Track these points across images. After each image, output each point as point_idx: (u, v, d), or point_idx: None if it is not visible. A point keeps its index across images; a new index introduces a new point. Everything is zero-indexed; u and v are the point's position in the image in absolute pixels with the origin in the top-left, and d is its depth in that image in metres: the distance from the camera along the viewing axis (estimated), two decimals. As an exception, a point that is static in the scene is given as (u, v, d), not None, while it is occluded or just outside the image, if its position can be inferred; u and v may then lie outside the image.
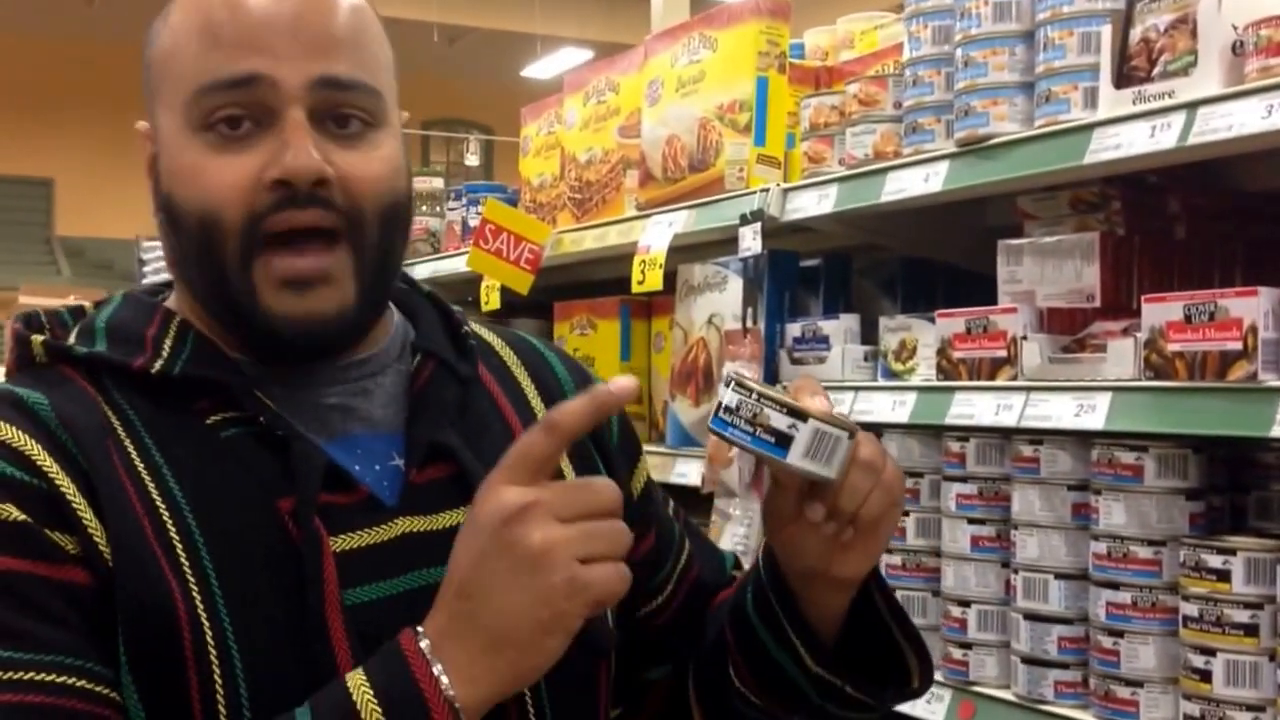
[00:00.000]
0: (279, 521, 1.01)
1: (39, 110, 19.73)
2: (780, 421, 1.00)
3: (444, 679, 0.92)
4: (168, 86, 1.07)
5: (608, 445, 1.22)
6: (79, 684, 0.95)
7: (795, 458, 1.00)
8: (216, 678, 0.97)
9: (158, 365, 1.05)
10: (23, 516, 0.96)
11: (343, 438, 1.08)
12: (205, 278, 1.06)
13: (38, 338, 1.09)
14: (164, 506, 1.00)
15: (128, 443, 1.02)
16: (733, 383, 1.02)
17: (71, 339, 1.09)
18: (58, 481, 0.98)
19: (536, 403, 1.20)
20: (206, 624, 0.97)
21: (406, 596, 1.03)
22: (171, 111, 1.06)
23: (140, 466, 1.01)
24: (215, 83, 1.03)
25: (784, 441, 1.00)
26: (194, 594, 0.98)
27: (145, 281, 6.65)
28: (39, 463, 0.98)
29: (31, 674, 0.94)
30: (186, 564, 0.99)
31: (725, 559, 1.35)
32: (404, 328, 1.18)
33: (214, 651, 0.97)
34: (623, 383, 0.96)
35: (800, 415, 1.00)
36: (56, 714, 0.93)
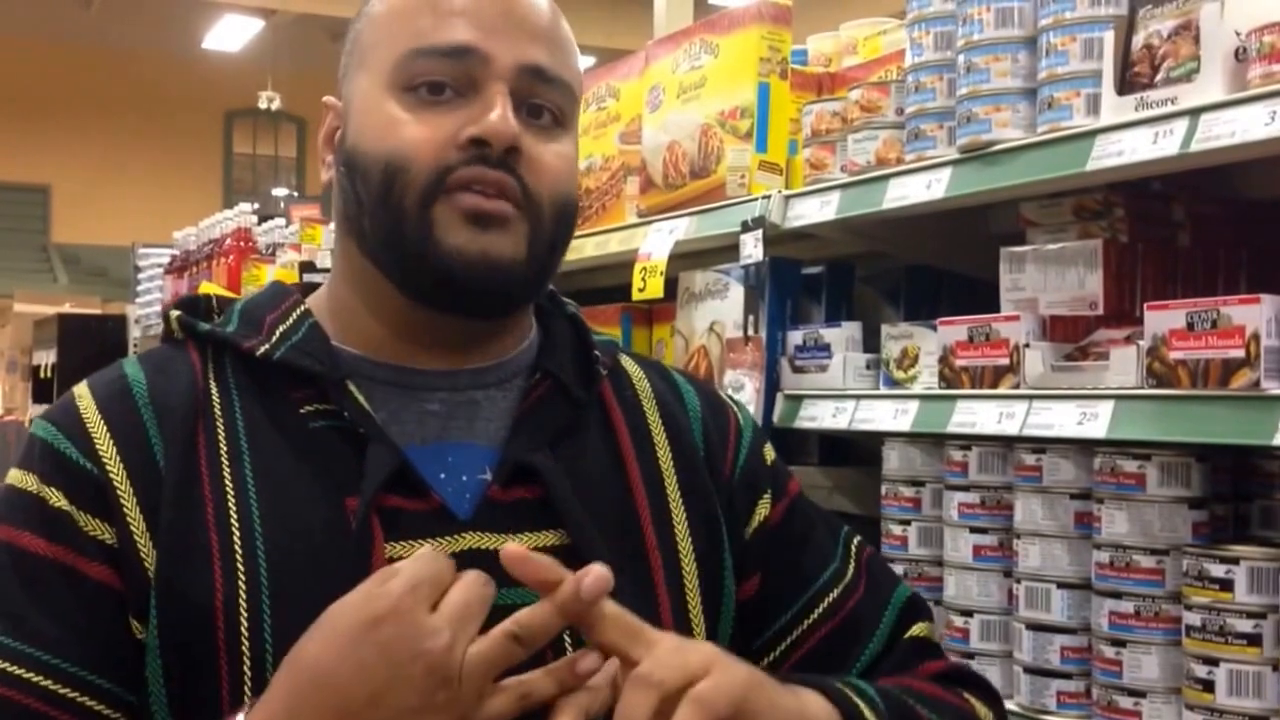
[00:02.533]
0: (344, 520, 1.01)
1: (36, 116, 19.73)
2: None
3: None
4: (374, 51, 1.10)
5: (725, 483, 1.18)
6: (42, 683, 0.96)
7: None
8: (246, 669, 0.97)
9: (263, 349, 1.08)
10: (66, 505, 1.01)
11: (438, 444, 1.08)
12: (380, 220, 1.07)
13: (175, 313, 1.13)
14: (233, 492, 1.02)
15: (220, 424, 1.05)
16: None
17: (219, 321, 1.13)
18: (109, 469, 1.02)
19: (660, 436, 1.17)
20: (244, 615, 0.98)
21: None
22: (374, 73, 1.09)
23: (224, 450, 1.04)
24: (431, 48, 1.07)
25: None
26: (239, 584, 0.99)
27: (141, 288, 6.67)
28: (98, 447, 1.03)
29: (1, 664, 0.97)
30: (240, 554, 0.99)
31: (874, 634, 1.18)
32: (535, 345, 1.17)
33: (246, 643, 0.97)
34: (593, 579, 0.91)
35: None
36: (6, 706, 0.95)
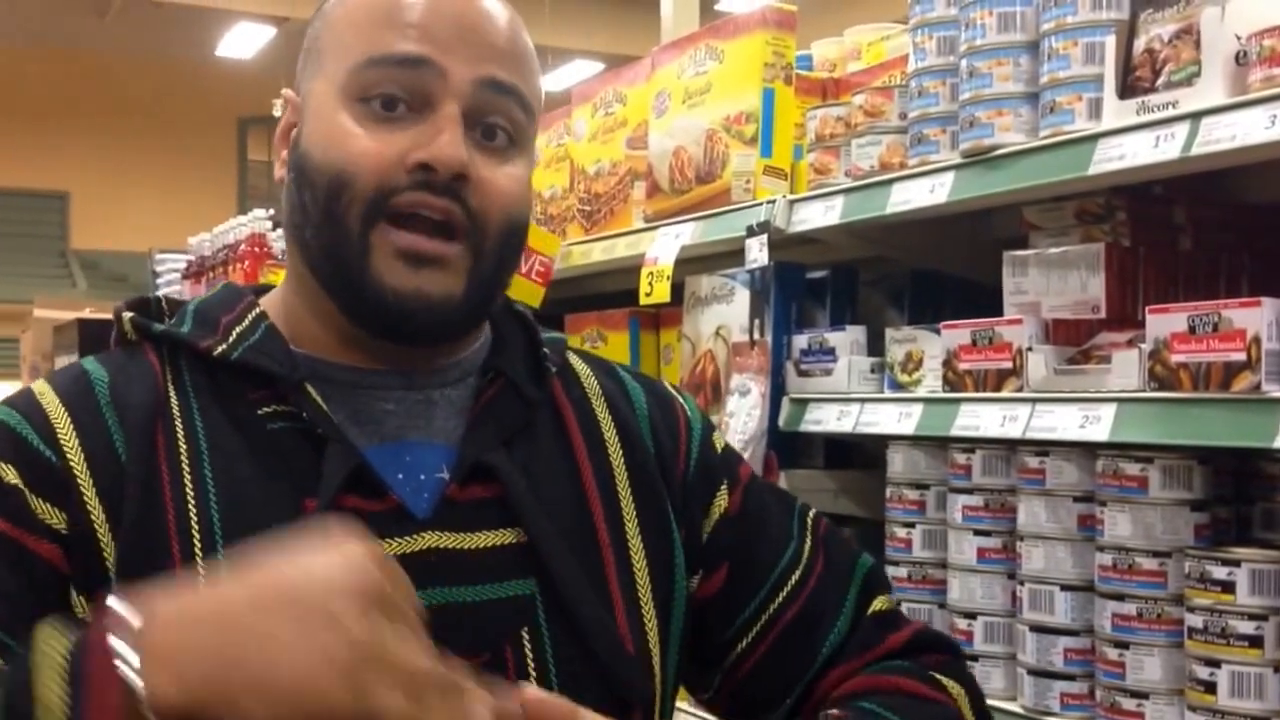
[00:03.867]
0: (303, 521, 1.01)
1: (54, 123, 19.80)
2: None
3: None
4: (331, 56, 1.10)
5: (679, 480, 1.19)
6: None
7: None
8: None
9: (220, 349, 1.08)
10: (18, 483, 1.00)
11: (396, 443, 1.08)
12: (322, 239, 1.07)
13: (128, 315, 1.12)
14: (193, 494, 1.02)
15: (179, 425, 1.05)
16: None
17: (172, 321, 1.12)
18: (70, 459, 1.01)
19: (610, 435, 1.18)
20: None
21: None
22: (329, 80, 1.09)
23: (184, 450, 1.04)
24: (386, 57, 1.06)
25: None
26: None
27: (161, 293, 6.68)
28: (60, 437, 1.02)
29: None
30: (200, 555, 1.00)
31: (840, 611, 1.18)
32: (488, 345, 1.18)
33: None
34: None
35: None
36: None
